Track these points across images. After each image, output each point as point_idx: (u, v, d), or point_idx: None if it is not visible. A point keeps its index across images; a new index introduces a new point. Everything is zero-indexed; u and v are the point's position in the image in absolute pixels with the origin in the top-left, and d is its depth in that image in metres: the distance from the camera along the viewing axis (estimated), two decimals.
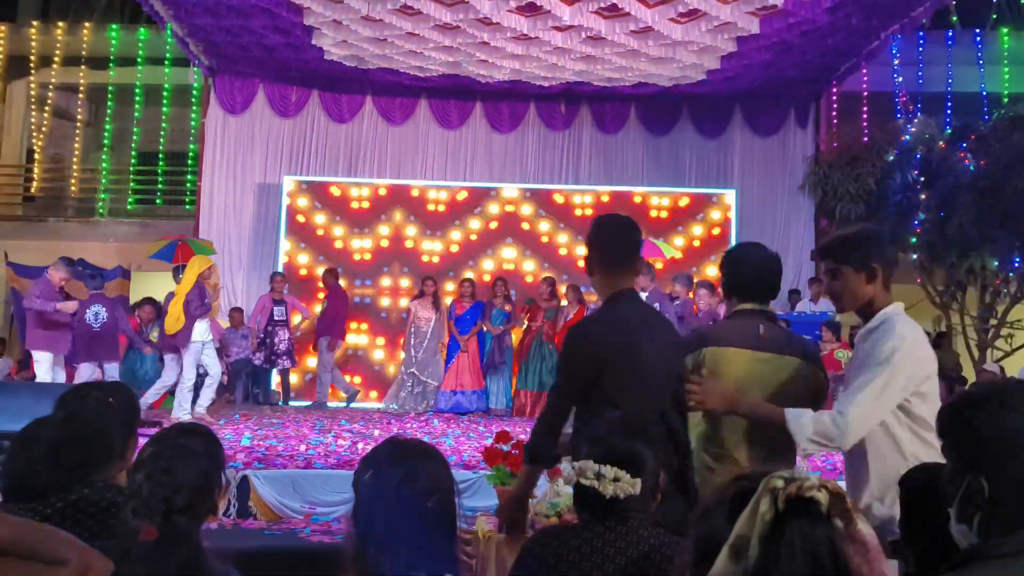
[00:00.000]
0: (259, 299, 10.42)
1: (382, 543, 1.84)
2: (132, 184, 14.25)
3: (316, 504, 5.17)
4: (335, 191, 11.45)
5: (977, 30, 13.22)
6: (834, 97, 12.39)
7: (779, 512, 1.11)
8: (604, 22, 9.11)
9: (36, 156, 14.15)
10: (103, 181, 14.15)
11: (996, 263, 10.94)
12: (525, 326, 10.18)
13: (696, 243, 11.56)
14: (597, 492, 2.12)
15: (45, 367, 8.03)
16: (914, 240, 11.16)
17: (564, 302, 10.05)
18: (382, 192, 11.45)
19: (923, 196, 11.07)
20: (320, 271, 11.06)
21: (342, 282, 10.74)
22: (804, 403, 3.03)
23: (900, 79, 12.49)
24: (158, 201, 14.13)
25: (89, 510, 2.26)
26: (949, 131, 11.51)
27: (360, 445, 6.71)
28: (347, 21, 9.46)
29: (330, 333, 10.18)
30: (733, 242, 11.36)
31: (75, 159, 14.17)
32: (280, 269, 11.17)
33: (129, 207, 14.04)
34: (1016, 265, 10.93)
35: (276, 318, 10.27)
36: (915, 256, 11.38)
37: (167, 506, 2.02)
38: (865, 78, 12.26)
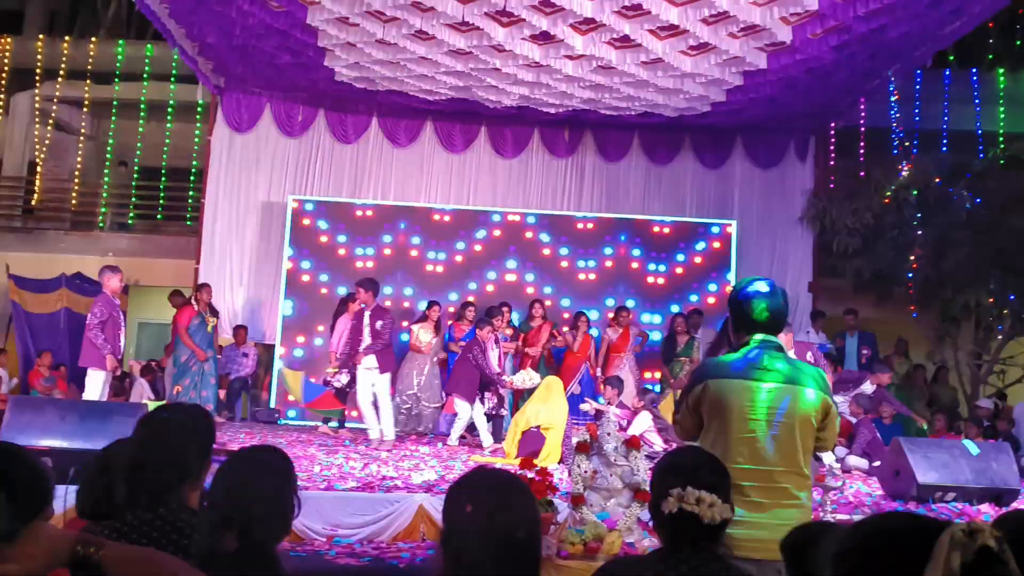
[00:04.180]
0: (338, 321, 10.01)
1: (472, 571, 1.90)
2: (134, 199, 14.25)
3: (338, 526, 5.19)
4: (339, 212, 11.49)
5: (974, 70, 13.49)
6: (832, 132, 12.60)
7: (967, 563, 1.16)
8: (615, 52, 9.25)
9: (38, 168, 14.14)
10: (105, 195, 14.14)
11: (991, 300, 11.12)
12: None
13: (697, 260, 11.69)
14: (696, 518, 2.17)
15: (98, 385, 7.97)
16: (910, 275, 11.33)
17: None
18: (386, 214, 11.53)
19: (919, 232, 11.26)
20: (323, 278, 11.12)
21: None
22: (812, 430, 3.12)
23: (898, 115, 12.71)
24: (159, 216, 14.14)
25: (165, 529, 2.30)
26: (944, 168, 11.74)
27: (373, 467, 6.73)
28: (361, 44, 9.55)
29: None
30: (733, 273, 11.50)
31: (76, 172, 14.15)
32: (283, 288, 11.20)
33: (130, 221, 14.03)
34: (1011, 301, 11.11)
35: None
36: (911, 291, 11.56)
37: (246, 518, 2.07)
38: (863, 114, 12.48)
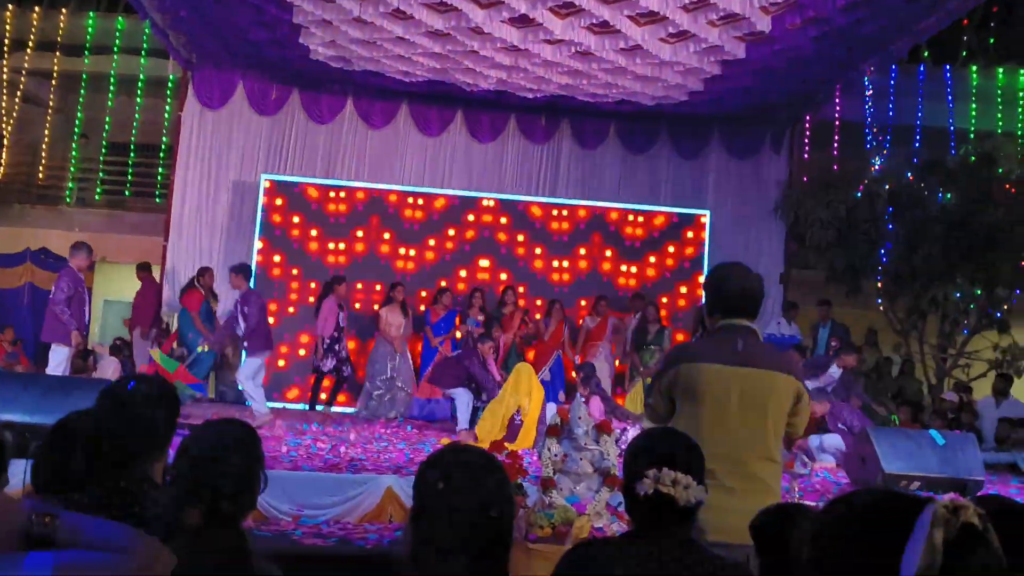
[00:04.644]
0: (324, 304, 9.89)
1: (443, 549, 1.86)
2: (101, 174, 14.00)
3: (304, 506, 5.13)
4: (312, 192, 11.34)
5: (948, 66, 13.61)
6: (807, 124, 12.66)
7: (949, 540, 1.13)
8: (594, 38, 9.19)
9: (4, 141, 13.85)
10: (72, 169, 13.88)
11: (958, 295, 11.25)
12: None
13: (669, 262, 11.72)
14: (671, 500, 2.15)
15: (61, 360, 7.85)
16: (880, 268, 11.43)
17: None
18: (360, 196, 11.38)
19: (891, 227, 11.36)
20: (295, 272, 11.00)
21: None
22: (783, 415, 3.12)
23: (872, 110, 12.80)
24: (127, 192, 13.91)
25: (126, 502, 2.24)
26: (917, 163, 11.85)
27: (342, 449, 6.68)
28: (337, 21, 9.42)
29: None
30: (707, 263, 11.54)
31: (44, 146, 13.88)
32: (254, 269, 11.05)
33: (97, 197, 13.80)
34: (977, 297, 11.25)
35: (341, 324, 9.89)
36: (880, 284, 11.67)
37: (211, 492, 2.02)
38: (838, 107, 12.55)
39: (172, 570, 1.79)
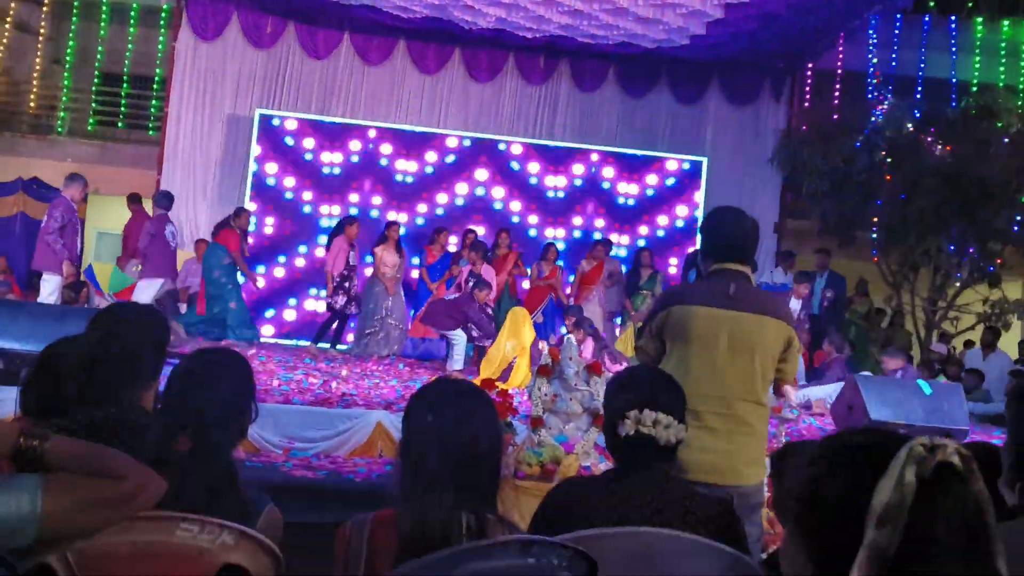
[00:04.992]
0: (334, 242, 9.81)
1: (431, 482, 1.88)
2: (94, 104, 13.81)
3: (295, 439, 5.19)
4: (308, 143, 11.19)
5: (953, 17, 13.42)
6: (809, 73, 12.51)
7: (923, 479, 1.13)
8: None
9: None
10: (63, 99, 13.68)
11: (951, 248, 11.25)
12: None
13: (661, 226, 11.74)
14: (652, 440, 2.17)
15: (52, 289, 7.84)
16: (875, 219, 11.41)
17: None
18: (354, 147, 11.25)
19: (888, 177, 11.29)
20: (288, 195, 10.96)
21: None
22: (773, 360, 3.14)
23: (875, 60, 12.65)
24: (120, 124, 13.74)
25: (115, 429, 2.24)
26: (918, 115, 11.73)
27: (333, 384, 6.72)
28: None
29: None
30: (701, 209, 11.51)
31: (35, 74, 13.66)
32: (247, 197, 11.00)
33: (89, 128, 13.62)
34: (971, 251, 11.26)
35: (351, 263, 9.81)
36: (874, 235, 11.65)
37: (200, 419, 2.04)
38: (841, 56, 12.40)
39: (161, 496, 1.81)
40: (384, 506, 1.98)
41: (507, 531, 1.90)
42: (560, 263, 10.66)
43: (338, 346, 9.77)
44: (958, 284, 11.67)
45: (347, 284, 9.79)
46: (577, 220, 11.63)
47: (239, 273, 9.74)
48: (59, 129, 13.42)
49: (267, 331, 10.71)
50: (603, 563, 1.83)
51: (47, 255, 7.87)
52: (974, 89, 12.76)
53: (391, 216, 10.93)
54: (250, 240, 10.72)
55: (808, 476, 1.24)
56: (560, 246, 11.11)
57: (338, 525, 1.99)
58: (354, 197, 11.23)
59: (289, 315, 11.08)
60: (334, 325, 9.91)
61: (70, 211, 8.01)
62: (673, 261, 11.63)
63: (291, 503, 4.22)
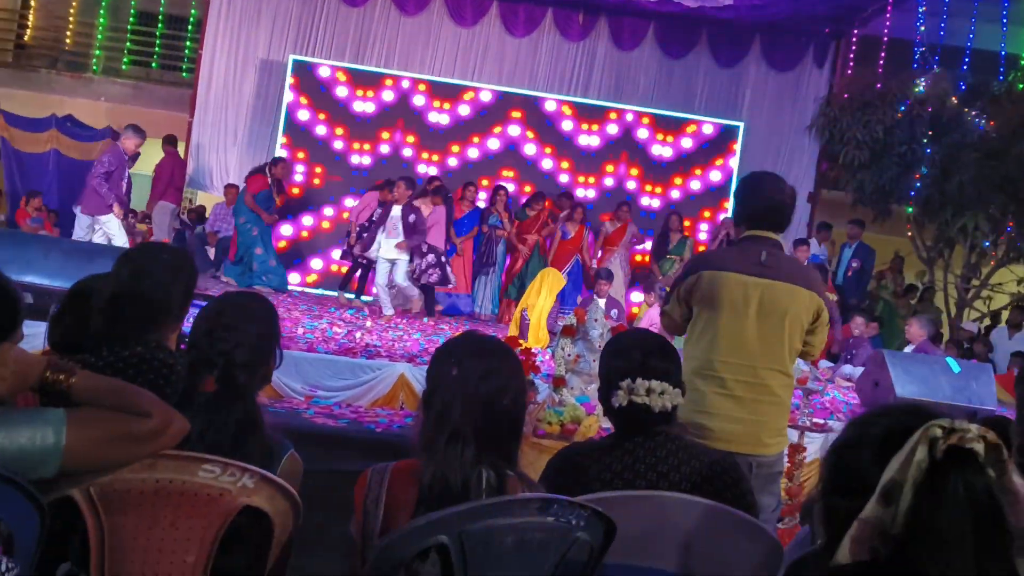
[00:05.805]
0: (367, 194, 9.88)
1: (454, 435, 1.87)
2: (128, 44, 13.80)
3: (318, 387, 5.22)
4: (341, 92, 11.12)
5: None
6: (854, 39, 12.21)
7: (935, 460, 1.11)
8: None
9: (32, 3, 13.63)
10: (99, 37, 13.68)
11: (988, 225, 11.05)
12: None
13: (695, 184, 11.55)
14: (648, 408, 2.15)
15: (115, 229, 8.03)
16: (912, 193, 11.21)
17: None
18: (387, 96, 11.16)
19: (928, 150, 11.07)
20: (318, 170, 10.93)
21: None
22: (801, 331, 3.09)
23: (923, 28, 12.30)
24: (154, 64, 13.74)
25: (141, 367, 2.25)
26: (963, 88, 11.45)
27: (358, 335, 6.75)
28: None
29: None
30: (736, 175, 11.35)
31: (72, 11, 13.65)
32: (279, 143, 10.97)
33: (124, 67, 13.64)
34: (1008, 230, 11.04)
35: (374, 218, 9.45)
36: (910, 209, 11.46)
37: (226, 360, 2.03)
38: (888, 23, 12.07)
39: (185, 435, 1.82)
40: (404, 457, 1.97)
41: (527, 489, 1.90)
42: (588, 224, 10.57)
43: (362, 297, 9.76)
44: (992, 263, 11.48)
45: (365, 235, 9.72)
46: (609, 180, 11.49)
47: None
48: (94, 68, 13.44)
49: (294, 279, 10.73)
50: (618, 525, 1.83)
51: (93, 198, 8.01)
52: (1023, 63, 12.41)
53: (422, 168, 10.90)
54: (296, 191, 10.72)
55: (838, 442, 1.22)
56: (591, 195, 11.07)
57: (358, 474, 1.99)
58: (385, 147, 11.15)
59: (316, 264, 11.08)
60: (356, 274, 9.89)
61: (120, 160, 8.14)
62: (703, 227, 11.49)
63: (312, 450, 4.26)
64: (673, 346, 2.35)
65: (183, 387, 2.09)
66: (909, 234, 11.71)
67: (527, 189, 11.13)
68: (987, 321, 12.07)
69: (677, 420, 2.24)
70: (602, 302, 7.68)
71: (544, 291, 8.02)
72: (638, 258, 11.03)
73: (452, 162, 11.27)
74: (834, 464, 1.24)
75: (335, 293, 9.92)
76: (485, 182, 11.03)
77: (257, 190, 9.73)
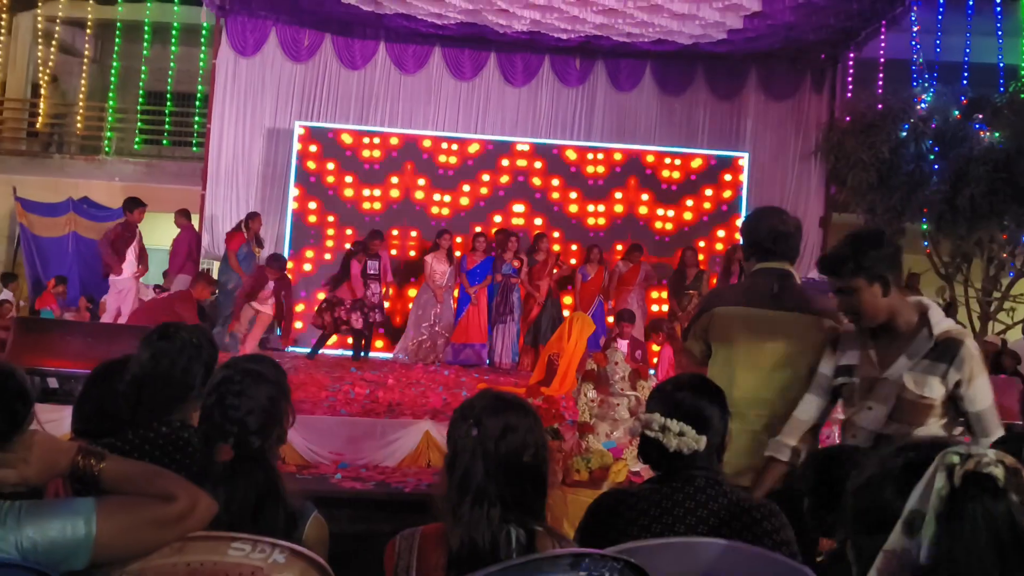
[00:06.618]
0: (351, 264, 9.77)
1: (478, 496, 1.87)
2: (139, 124, 14.09)
3: (344, 451, 5.22)
4: (346, 139, 11.32)
5: (997, 0, 13.08)
6: (851, 63, 12.28)
7: (955, 488, 1.10)
8: None
9: (42, 91, 13.96)
10: (109, 119, 13.98)
11: (1004, 236, 10.97)
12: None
13: (707, 205, 11.55)
14: (660, 445, 2.14)
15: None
16: (924, 210, 11.16)
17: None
18: (394, 142, 11.33)
19: (936, 166, 11.05)
20: (330, 219, 11.04)
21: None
22: (817, 359, 3.07)
23: (918, 46, 12.37)
24: (165, 142, 14.00)
25: (167, 448, 2.27)
26: (964, 102, 11.46)
27: (380, 394, 6.75)
28: None
29: None
30: (744, 206, 11.37)
31: (81, 96, 13.98)
32: (289, 216, 11.11)
33: (136, 147, 13.90)
34: None
35: (370, 272, 9.75)
36: (925, 226, 11.41)
37: (240, 428, 2.04)
38: (883, 44, 12.15)
39: (213, 516, 1.82)
40: (432, 517, 1.97)
41: (557, 544, 1.89)
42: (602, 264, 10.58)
43: (367, 354, 9.78)
44: (1012, 274, 11.39)
45: (363, 305, 9.69)
46: (619, 206, 11.47)
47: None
48: (107, 149, 13.71)
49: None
50: (654, 574, 1.81)
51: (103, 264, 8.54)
52: (1022, 73, 12.43)
53: (435, 210, 11.05)
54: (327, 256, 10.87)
55: (859, 482, 1.22)
56: (601, 223, 11.14)
57: (387, 538, 1.98)
58: (394, 192, 11.24)
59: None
60: (362, 341, 9.85)
61: (124, 226, 8.68)
62: (719, 247, 11.43)
63: (341, 514, 4.26)
64: (716, 389, 2.29)
65: (200, 458, 2.10)
66: (928, 251, 11.64)
67: (537, 221, 11.21)
68: (1018, 334, 11.92)
69: (705, 467, 2.21)
70: (624, 344, 7.66)
71: (575, 336, 7.99)
72: (654, 295, 11.02)
73: (464, 201, 11.33)
74: (858, 504, 1.23)
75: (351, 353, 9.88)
76: (498, 218, 11.14)
77: (236, 247, 9.96)
